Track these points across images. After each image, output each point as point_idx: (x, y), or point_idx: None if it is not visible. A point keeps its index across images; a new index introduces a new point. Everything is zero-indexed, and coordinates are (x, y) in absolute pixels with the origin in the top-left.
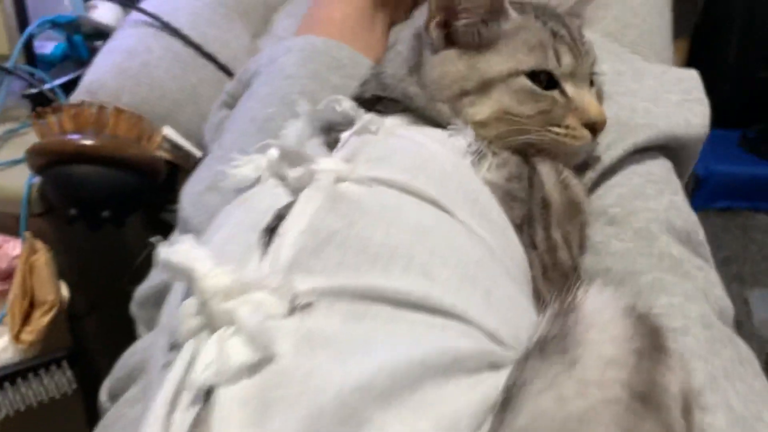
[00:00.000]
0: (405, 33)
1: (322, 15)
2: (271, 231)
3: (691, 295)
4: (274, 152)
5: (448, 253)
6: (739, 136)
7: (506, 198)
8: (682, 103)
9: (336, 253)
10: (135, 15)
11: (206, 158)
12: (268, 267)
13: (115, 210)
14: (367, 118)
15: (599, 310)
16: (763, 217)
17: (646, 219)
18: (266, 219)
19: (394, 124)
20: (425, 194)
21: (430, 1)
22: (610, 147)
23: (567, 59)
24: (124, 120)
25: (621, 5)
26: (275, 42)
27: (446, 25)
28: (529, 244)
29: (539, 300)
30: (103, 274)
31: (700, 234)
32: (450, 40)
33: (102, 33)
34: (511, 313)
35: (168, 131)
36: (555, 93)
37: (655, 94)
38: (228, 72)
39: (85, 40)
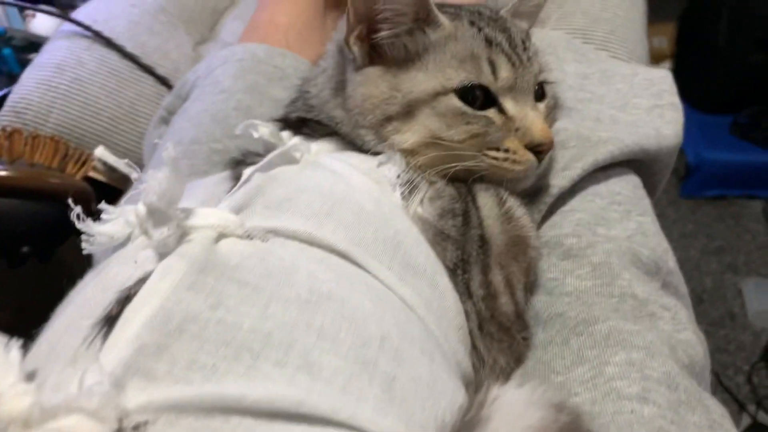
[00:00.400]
0: (330, 45)
1: (265, 20)
2: (112, 319)
3: (655, 349)
4: (141, 207)
5: (343, 332)
6: (730, 123)
7: (438, 238)
8: (652, 109)
9: (189, 348)
10: (67, 26)
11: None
12: (95, 375)
13: (36, 245)
14: (291, 143)
15: (515, 418)
16: (757, 204)
17: (605, 251)
18: (110, 299)
19: (320, 149)
20: (333, 246)
21: (348, 11)
22: (567, 167)
23: (505, 71)
24: (43, 146)
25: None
26: (221, 48)
27: (369, 38)
28: (465, 292)
29: (478, 357)
30: (38, 312)
31: (671, 261)
32: (374, 54)
33: (38, 45)
34: (422, 400)
35: (101, 152)
36: (491, 112)
37: (624, 100)
38: (168, 84)
39: (19, 52)
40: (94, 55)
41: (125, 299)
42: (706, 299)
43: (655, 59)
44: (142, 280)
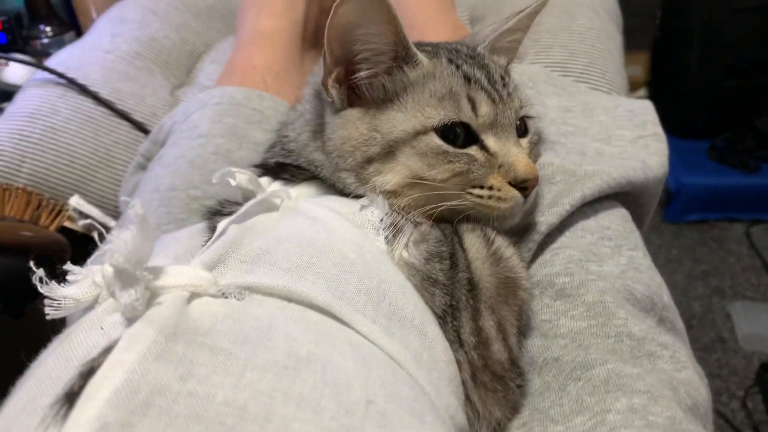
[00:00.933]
0: (306, 90)
1: (242, 62)
2: (73, 396)
3: (656, 393)
4: (108, 267)
5: (325, 399)
6: (707, 147)
7: (425, 283)
8: (636, 141)
9: (156, 426)
10: (40, 73)
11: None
12: None
13: (8, 300)
14: (270, 190)
15: None
16: (739, 227)
17: (599, 290)
18: (71, 374)
19: (300, 194)
20: (313, 301)
21: (325, 54)
22: (555, 203)
23: (485, 107)
24: (15, 197)
25: (568, 32)
26: (199, 92)
27: (347, 80)
28: (456, 340)
29: (472, 408)
30: (10, 371)
31: (665, 295)
32: (352, 96)
33: (11, 94)
34: None
35: (76, 201)
36: (473, 149)
37: (608, 132)
38: (145, 130)
39: None
40: (68, 103)
41: (88, 372)
42: (695, 324)
43: (630, 87)
44: (107, 350)
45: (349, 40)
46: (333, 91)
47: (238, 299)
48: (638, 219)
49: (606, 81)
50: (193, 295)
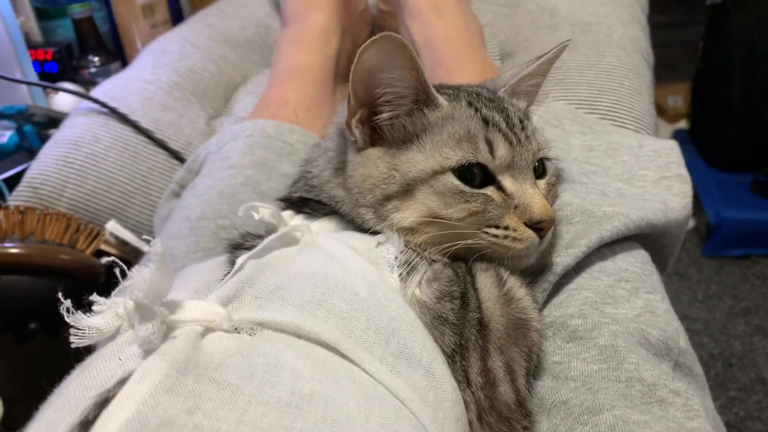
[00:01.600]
0: (331, 128)
1: (275, 96)
2: (87, 424)
3: None
4: (129, 301)
5: None
6: (750, 181)
7: (436, 322)
8: (659, 182)
9: None
10: (85, 103)
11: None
12: None
13: (44, 321)
14: (292, 224)
15: None
16: None
17: (612, 333)
18: (87, 404)
19: (321, 228)
20: (321, 338)
21: (350, 96)
22: (571, 244)
23: (502, 150)
24: (53, 222)
25: (595, 70)
26: (234, 123)
27: (370, 120)
28: (463, 380)
29: None
30: (43, 386)
31: (682, 341)
32: (374, 135)
33: (58, 121)
34: None
35: (112, 226)
36: (489, 190)
37: (631, 172)
38: (181, 158)
39: (40, 128)
40: (109, 131)
41: (103, 402)
42: (735, 363)
43: (671, 119)
44: (122, 382)
45: (373, 84)
46: (356, 131)
47: (250, 335)
48: (661, 260)
49: (633, 119)
50: (207, 330)
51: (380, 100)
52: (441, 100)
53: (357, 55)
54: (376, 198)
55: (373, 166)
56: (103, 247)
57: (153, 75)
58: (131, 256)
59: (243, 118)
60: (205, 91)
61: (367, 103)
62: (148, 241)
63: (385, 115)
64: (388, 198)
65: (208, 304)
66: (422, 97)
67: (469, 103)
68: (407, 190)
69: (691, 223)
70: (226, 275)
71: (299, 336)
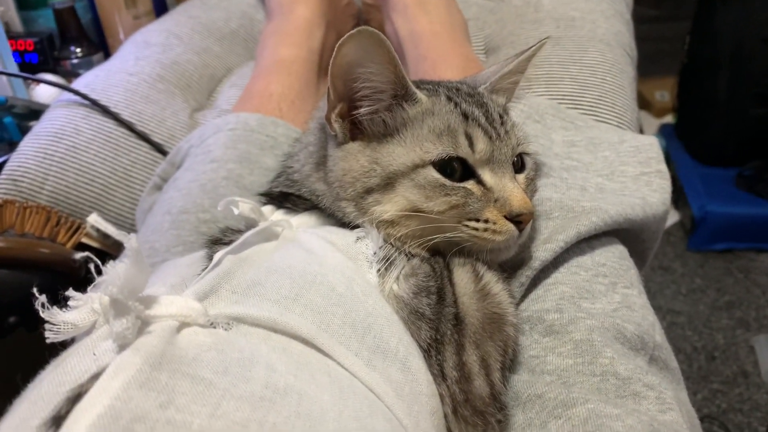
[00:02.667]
0: (312, 123)
1: (259, 89)
2: (60, 419)
3: None
4: (104, 296)
5: (297, 430)
6: (734, 175)
7: (412, 317)
8: (639, 177)
9: None
10: (66, 94)
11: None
12: None
13: (24, 314)
14: (272, 219)
15: None
16: (766, 258)
17: (588, 328)
18: (59, 399)
19: (301, 223)
20: (298, 332)
21: (329, 90)
22: (550, 239)
23: (481, 144)
24: (33, 215)
25: (579, 65)
26: (218, 116)
27: (350, 115)
28: (439, 374)
29: None
30: (26, 381)
31: (658, 335)
32: (355, 130)
33: (39, 113)
34: None
35: (93, 219)
36: (470, 183)
37: (611, 167)
38: (163, 151)
39: (20, 120)
40: (91, 123)
41: (76, 397)
42: (718, 356)
43: (658, 113)
44: (96, 377)
45: (351, 78)
46: (336, 126)
47: (226, 329)
48: (640, 255)
49: (616, 115)
50: (183, 325)
51: (358, 95)
52: (420, 95)
53: (335, 50)
54: (356, 191)
55: (354, 160)
56: (85, 240)
57: (136, 67)
58: (113, 250)
59: (226, 111)
60: (188, 83)
61: (347, 98)
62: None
63: (363, 110)
64: (369, 191)
65: (184, 299)
66: (401, 92)
67: (449, 98)
68: (388, 183)
69: (676, 217)
70: (204, 270)
71: (275, 331)
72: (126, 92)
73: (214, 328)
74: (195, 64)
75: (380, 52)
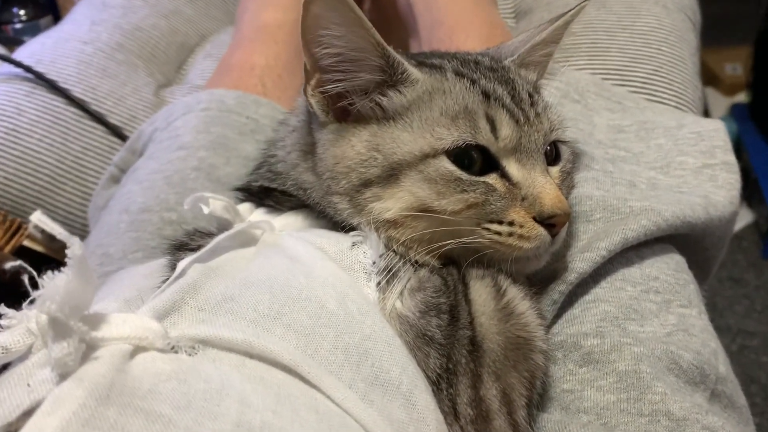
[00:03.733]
0: (299, 100)
1: (238, 60)
2: None
3: None
4: (41, 315)
5: None
6: None
7: (419, 341)
8: (701, 170)
9: None
10: (5, 66)
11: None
12: None
13: None
14: (251, 220)
15: None
16: None
17: (635, 356)
18: None
19: (286, 225)
20: (279, 358)
21: (304, 57)
22: (589, 247)
23: (507, 129)
24: None
25: (629, 33)
26: (188, 93)
27: (326, 90)
28: (450, 411)
29: None
30: None
31: (721, 365)
32: (345, 110)
33: None
34: None
35: (38, 218)
36: (491, 177)
37: (667, 158)
38: (122, 136)
39: None
40: (35, 102)
41: None
42: None
43: (727, 90)
44: (29, 413)
45: (315, 42)
46: (313, 101)
47: (190, 354)
48: (702, 266)
49: (674, 93)
50: (138, 349)
51: (323, 64)
52: (412, 70)
53: (302, 7)
54: (352, 184)
55: (348, 145)
56: (27, 243)
57: (91, 33)
58: (62, 255)
59: (199, 87)
60: (153, 53)
61: (322, 68)
62: (82, 239)
63: (332, 86)
64: (367, 184)
65: (140, 317)
66: (385, 67)
67: (460, 74)
68: (391, 174)
69: (749, 218)
70: (165, 282)
71: (251, 356)
72: (79, 64)
73: (176, 352)
74: (162, 29)
75: (343, 11)
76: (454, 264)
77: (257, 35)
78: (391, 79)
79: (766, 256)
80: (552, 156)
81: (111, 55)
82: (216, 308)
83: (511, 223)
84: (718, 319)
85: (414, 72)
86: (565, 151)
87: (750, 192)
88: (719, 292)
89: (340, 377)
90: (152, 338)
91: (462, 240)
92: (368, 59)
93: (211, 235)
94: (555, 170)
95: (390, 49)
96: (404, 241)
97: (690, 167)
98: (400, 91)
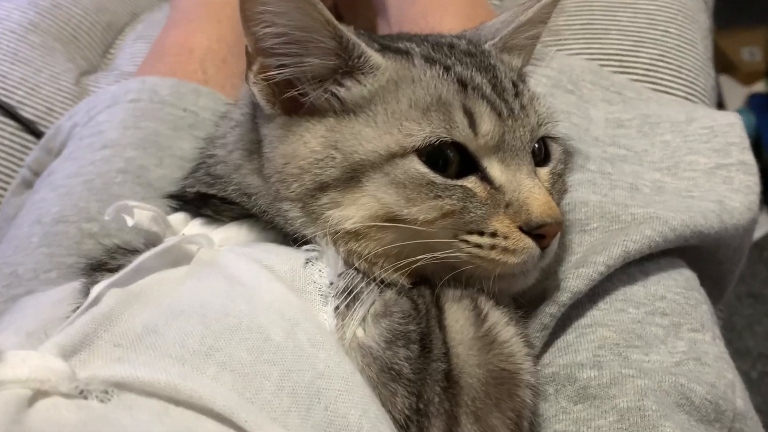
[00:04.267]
0: (244, 90)
1: (174, 42)
2: None
3: None
4: None
5: None
6: None
7: (384, 377)
8: (714, 172)
9: None
10: None
11: None
12: None
13: None
14: (186, 232)
15: None
16: None
17: (638, 390)
18: None
19: (226, 238)
20: (209, 404)
21: (244, 32)
22: (585, 261)
23: (488, 123)
24: None
25: (631, 11)
26: (116, 81)
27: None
28: None
29: None
30: None
31: (739, 400)
32: (297, 102)
33: None
34: None
35: None
36: (470, 180)
37: (674, 158)
38: (36, 132)
39: None
40: None
41: None
42: None
43: (745, 78)
44: None
45: (254, 19)
46: (255, 90)
47: (102, 400)
48: (716, 283)
49: (683, 82)
50: (38, 394)
51: (266, 46)
52: (370, 53)
53: None
54: (305, 188)
55: (300, 141)
56: None
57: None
58: None
59: (129, 74)
60: (75, 34)
61: (263, 51)
62: None
63: (276, 72)
64: (323, 188)
65: (42, 355)
66: (335, 48)
67: (430, 60)
68: (352, 177)
69: None
70: (76, 311)
71: (176, 402)
72: None
73: (85, 398)
74: (85, 6)
75: None
76: (427, 283)
77: (197, 13)
78: (346, 65)
79: None
80: (540, 155)
81: (24, 37)
82: (135, 343)
83: (493, 234)
84: (736, 341)
85: (374, 57)
86: (555, 150)
87: None
88: (737, 310)
89: (285, 425)
90: (56, 381)
91: (436, 255)
92: (317, 40)
93: (136, 252)
94: (544, 172)
95: (344, 29)
96: (367, 255)
97: (701, 168)
98: (358, 80)
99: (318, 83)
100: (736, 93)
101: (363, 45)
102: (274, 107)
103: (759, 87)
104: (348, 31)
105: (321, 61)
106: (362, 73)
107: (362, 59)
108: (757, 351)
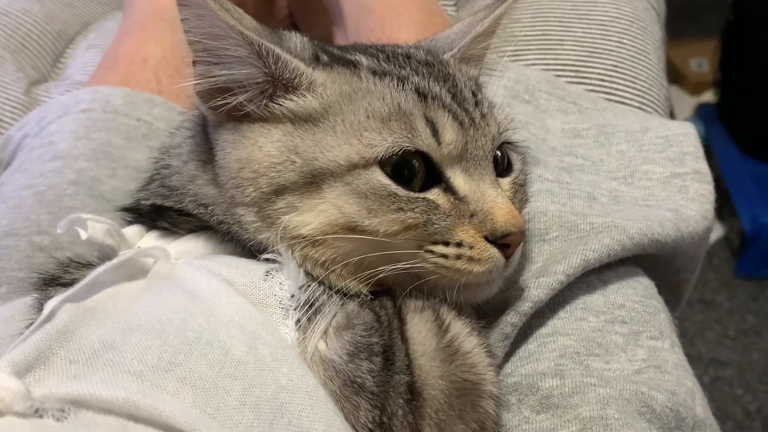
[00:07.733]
0: (197, 99)
1: (128, 51)
2: None
3: None
4: None
5: None
6: None
7: (347, 390)
8: (670, 181)
9: None
10: None
11: None
12: None
13: None
14: (141, 245)
15: None
16: None
17: (600, 399)
18: None
19: (183, 251)
20: (169, 421)
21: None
22: (544, 271)
23: (451, 133)
24: None
25: (586, 23)
26: (67, 91)
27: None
28: None
29: None
30: None
31: (699, 406)
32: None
33: None
34: None
35: None
36: (434, 193)
37: (630, 167)
38: None
39: None
40: None
41: None
42: None
43: (693, 88)
44: None
45: (182, 21)
46: (196, 97)
47: (58, 419)
48: (673, 290)
49: (637, 92)
50: None
51: (193, 54)
52: (304, 69)
53: None
54: (260, 191)
55: (255, 146)
56: None
57: None
58: None
59: (81, 83)
60: (24, 43)
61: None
62: None
63: (203, 80)
64: (279, 191)
65: None
66: (247, 57)
67: (380, 71)
68: (311, 182)
69: (720, 232)
70: (29, 327)
71: (136, 419)
72: None
73: (40, 417)
74: (35, 15)
75: None
76: (388, 294)
77: (151, 21)
78: (273, 75)
79: (739, 274)
80: (504, 165)
81: None
82: (92, 359)
83: (459, 244)
84: (687, 347)
85: (307, 72)
86: (516, 160)
87: (720, 204)
88: (689, 316)
89: None
90: (10, 400)
91: (399, 265)
92: (225, 48)
93: (90, 265)
94: (506, 182)
95: (256, 36)
96: (324, 262)
97: (657, 177)
98: (303, 95)
99: (259, 93)
100: (685, 103)
101: (285, 54)
102: (217, 113)
103: (707, 97)
104: (266, 40)
105: (241, 70)
106: (304, 89)
107: (293, 73)
108: (708, 357)
